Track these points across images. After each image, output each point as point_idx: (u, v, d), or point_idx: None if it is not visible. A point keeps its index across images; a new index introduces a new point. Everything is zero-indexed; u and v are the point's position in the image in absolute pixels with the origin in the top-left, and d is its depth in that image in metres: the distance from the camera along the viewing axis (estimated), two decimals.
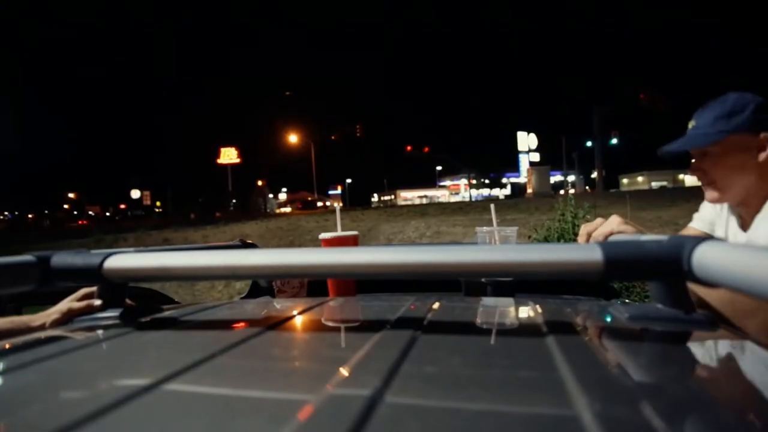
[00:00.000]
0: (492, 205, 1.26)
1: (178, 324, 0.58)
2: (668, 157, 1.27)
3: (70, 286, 0.61)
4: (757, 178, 1.11)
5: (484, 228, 1.10)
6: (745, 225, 1.19)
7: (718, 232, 1.32)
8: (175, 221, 28.01)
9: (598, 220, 1.15)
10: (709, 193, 1.18)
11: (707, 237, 0.45)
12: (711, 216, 1.37)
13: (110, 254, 0.60)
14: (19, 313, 1.53)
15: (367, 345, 0.42)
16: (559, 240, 4.13)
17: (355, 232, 1.16)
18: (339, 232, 1.14)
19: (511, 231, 1.09)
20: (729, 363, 0.43)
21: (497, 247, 0.53)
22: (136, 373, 0.39)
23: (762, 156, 1.10)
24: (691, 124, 1.18)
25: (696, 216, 1.50)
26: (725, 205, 1.30)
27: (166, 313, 0.64)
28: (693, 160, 1.20)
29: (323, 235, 1.15)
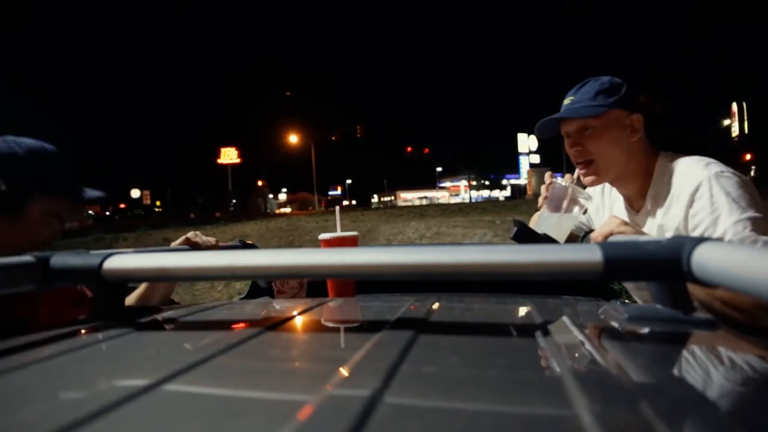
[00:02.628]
0: (546, 178, 1.20)
1: (178, 324, 0.58)
2: (543, 133, 1.26)
3: (69, 286, 0.61)
4: (628, 157, 1.16)
5: (559, 180, 1.07)
6: (634, 205, 1.24)
7: (603, 215, 1.36)
8: (175, 221, 28.02)
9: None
10: (589, 177, 1.19)
11: (707, 237, 0.45)
12: (593, 208, 1.41)
13: (110, 254, 0.60)
14: None
15: (367, 345, 0.42)
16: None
17: (354, 233, 1.16)
18: (339, 233, 1.14)
19: (586, 195, 1.06)
20: (729, 363, 0.43)
21: (497, 247, 0.53)
22: (135, 374, 0.39)
23: (635, 136, 1.16)
24: (568, 100, 1.20)
25: None
26: (611, 189, 1.34)
27: (166, 314, 0.64)
28: (568, 138, 1.21)
29: (323, 236, 1.14)
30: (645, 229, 1.18)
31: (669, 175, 1.13)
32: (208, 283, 5.86)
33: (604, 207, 1.37)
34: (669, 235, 1.09)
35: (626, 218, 1.23)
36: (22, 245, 0.89)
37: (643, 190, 1.18)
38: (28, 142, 1.00)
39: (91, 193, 1.10)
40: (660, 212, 1.14)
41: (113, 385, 0.36)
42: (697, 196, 1.04)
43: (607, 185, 1.35)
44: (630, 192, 1.22)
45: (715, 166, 1.06)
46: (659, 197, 1.14)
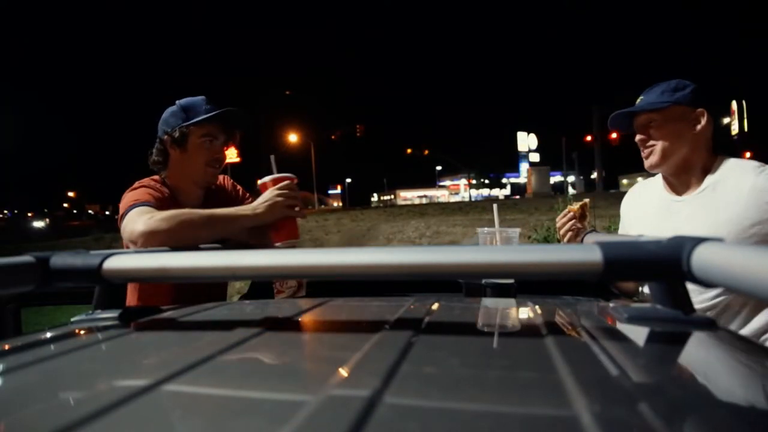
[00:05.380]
0: (495, 205, 1.27)
1: (178, 324, 0.58)
2: (615, 127, 1.43)
3: (69, 286, 0.61)
4: (691, 149, 1.29)
5: (485, 229, 1.10)
6: (680, 191, 1.34)
7: (647, 209, 1.46)
8: None
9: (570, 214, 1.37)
10: (649, 160, 1.34)
11: (707, 237, 0.45)
12: (627, 208, 1.53)
13: (109, 255, 0.60)
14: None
15: (367, 345, 0.42)
16: (559, 240, 4.12)
17: (290, 174, 1.26)
18: (275, 174, 1.25)
19: (513, 232, 1.09)
20: (728, 364, 0.43)
21: (497, 247, 0.53)
22: (135, 374, 0.39)
23: (698, 127, 1.28)
24: (639, 99, 1.36)
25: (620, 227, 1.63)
26: (648, 185, 1.49)
27: (166, 314, 0.64)
28: (638, 135, 1.38)
29: (261, 180, 1.27)
30: (687, 212, 1.29)
31: (734, 170, 1.24)
32: None
33: (645, 199, 1.47)
34: (715, 219, 1.21)
35: (661, 204, 1.37)
36: (195, 166, 1.38)
37: (696, 178, 1.30)
38: (184, 99, 1.42)
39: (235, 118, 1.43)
40: (714, 199, 1.24)
41: (113, 385, 0.36)
42: None
43: (641, 186, 1.53)
44: (680, 179, 1.33)
45: None
46: (718, 187, 1.25)
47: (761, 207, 1.15)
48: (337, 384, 0.33)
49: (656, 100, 1.31)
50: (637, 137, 1.36)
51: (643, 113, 1.33)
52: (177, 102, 1.42)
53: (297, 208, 1.26)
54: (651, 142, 1.32)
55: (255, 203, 1.27)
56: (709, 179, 1.27)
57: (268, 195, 1.25)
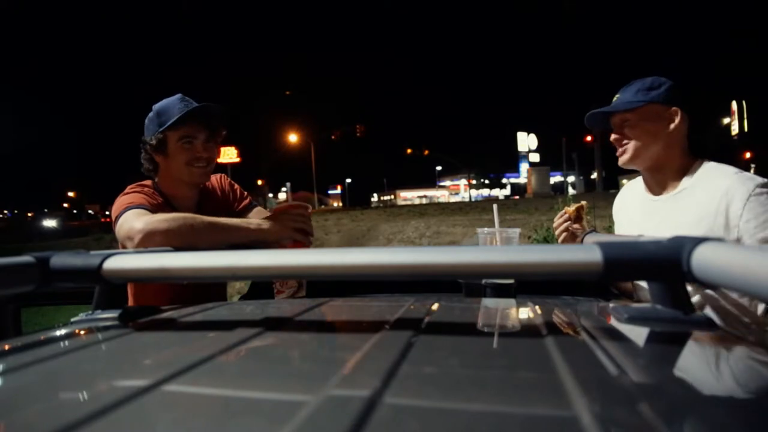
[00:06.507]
0: (495, 206, 1.27)
1: (178, 324, 0.58)
2: (591, 125, 1.44)
3: (69, 286, 0.61)
4: (665, 147, 1.29)
5: (485, 229, 1.10)
6: (657, 191, 1.35)
7: (631, 210, 1.48)
8: None
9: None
10: (621, 157, 1.35)
11: (707, 237, 0.45)
12: (617, 209, 1.54)
13: (110, 255, 0.60)
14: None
15: (367, 345, 0.42)
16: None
17: (305, 203, 1.30)
18: (290, 201, 1.31)
19: (513, 232, 1.09)
20: (728, 364, 0.43)
21: (497, 248, 0.53)
22: (135, 374, 0.39)
23: (671, 126, 1.28)
24: (615, 98, 1.36)
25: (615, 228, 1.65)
26: (633, 187, 1.49)
27: (166, 314, 0.64)
28: (612, 135, 1.38)
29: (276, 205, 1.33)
30: (662, 212, 1.30)
31: (712, 173, 1.24)
32: None
33: (630, 201, 1.49)
34: (689, 220, 1.20)
35: (642, 204, 1.38)
36: (180, 169, 1.35)
37: (672, 179, 1.30)
38: (159, 103, 1.38)
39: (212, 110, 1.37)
40: (690, 201, 1.23)
41: (113, 385, 0.36)
42: (752, 197, 1.13)
43: (627, 188, 1.54)
44: (656, 178, 1.34)
45: (758, 178, 1.17)
46: (696, 188, 1.24)
47: (731, 211, 1.14)
48: (337, 384, 0.33)
49: (631, 99, 1.31)
50: (612, 136, 1.37)
51: (617, 113, 1.34)
52: (153, 107, 1.40)
53: (304, 235, 1.28)
54: (625, 141, 1.33)
55: (263, 219, 1.28)
56: (687, 181, 1.27)
57: (278, 216, 1.27)
